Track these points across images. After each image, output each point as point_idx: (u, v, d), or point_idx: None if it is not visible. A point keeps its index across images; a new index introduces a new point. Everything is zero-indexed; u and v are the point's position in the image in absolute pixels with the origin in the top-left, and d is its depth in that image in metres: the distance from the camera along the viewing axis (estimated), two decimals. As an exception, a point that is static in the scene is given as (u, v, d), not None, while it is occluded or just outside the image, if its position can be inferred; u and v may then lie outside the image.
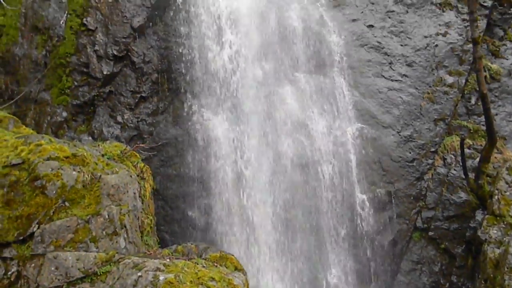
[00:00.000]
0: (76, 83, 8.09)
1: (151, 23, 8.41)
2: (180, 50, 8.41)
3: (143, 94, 8.25)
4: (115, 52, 8.16)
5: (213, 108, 8.17)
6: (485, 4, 9.18)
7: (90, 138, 7.91)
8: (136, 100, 8.23)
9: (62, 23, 8.05)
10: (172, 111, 8.20)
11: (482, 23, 8.86)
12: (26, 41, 8.27)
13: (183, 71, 8.36)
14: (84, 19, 8.23)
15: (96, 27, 8.23)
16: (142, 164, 6.53)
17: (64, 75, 8.08)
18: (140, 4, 8.33)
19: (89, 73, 8.07)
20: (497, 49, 9.19)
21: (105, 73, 8.08)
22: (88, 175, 4.94)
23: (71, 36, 8.20)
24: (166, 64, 8.36)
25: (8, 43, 8.24)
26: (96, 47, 8.15)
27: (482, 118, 7.89)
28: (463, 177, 7.84)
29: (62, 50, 8.15)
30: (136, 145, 7.20)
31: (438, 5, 9.10)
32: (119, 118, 8.09)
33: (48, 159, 4.83)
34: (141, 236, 5.58)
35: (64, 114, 7.98)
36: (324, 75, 8.58)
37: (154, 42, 8.41)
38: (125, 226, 4.94)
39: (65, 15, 8.26)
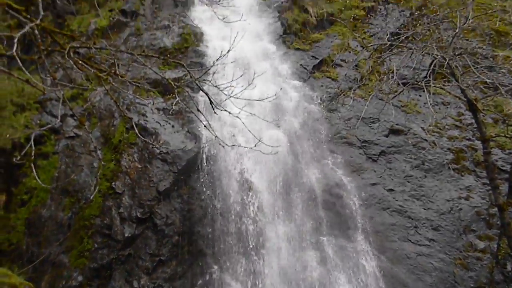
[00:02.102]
0: (96, 245, 8.70)
1: (176, 187, 9.45)
2: (203, 212, 9.20)
3: (162, 258, 8.73)
4: (138, 215, 8.99)
5: (234, 273, 8.48)
6: (503, 168, 10.11)
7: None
8: (155, 264, 8.67)
9: (93, 187, 9.12)
10: (190, 277, 8.51)
11: (504, 187, 9.60)
12: (54, 203, 9.26)
13: (205, 232, 8.98)
14: (113, 183, 9.33)
15: (123, 191, 9.27)
16: None
17: (86, 237, 8.77)
18: (168, 169, 9.52)
19: (111, 235, 8.75)
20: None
21: (126, 235, 8.75)
22: None
23: (98, 199, 9.20)
24: (188, 226, 9.06)
25: (37, 205, 9.22)
26: (121, 210, 9.03)
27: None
28: None
29: (87, 212, 9.05)
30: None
31: (456, 170, 10.10)
32: (135, 284, 8.42)
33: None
34: None
35: (80, 278, 8.37)
36: (348, 239, 9.05)
37: (177, 205, 9.30)
38: None
39: (96, 179, 9.41)
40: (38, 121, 10.01)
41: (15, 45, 2.27)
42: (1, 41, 5.07)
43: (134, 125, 5.06)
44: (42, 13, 2.89)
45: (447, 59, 6.42)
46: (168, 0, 14.49)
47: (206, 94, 5.38)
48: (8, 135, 9.22)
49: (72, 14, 13.02)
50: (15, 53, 2.32)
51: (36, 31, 2.77)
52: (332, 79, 12.28)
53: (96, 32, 12.48)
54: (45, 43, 3.87)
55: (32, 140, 3.52)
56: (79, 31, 12.51)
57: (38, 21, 2.77)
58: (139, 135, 6.01)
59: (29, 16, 3.69)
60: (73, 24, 12.58)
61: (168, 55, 12.34)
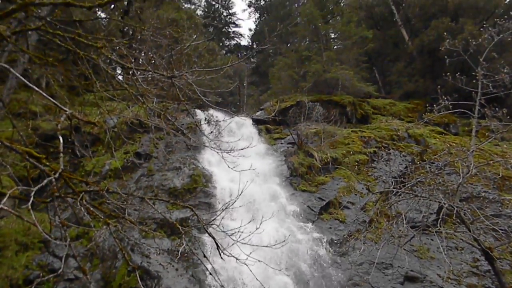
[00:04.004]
0: None
1: None
2: None
3: None
4: None
5: None
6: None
7: None
8: None
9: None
10: None
11: None
12: None
13: None
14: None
15: None
16: None
17: None
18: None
19: None
20: None
21: None
22: None
23: None
24: None
25: None
26: None
27: None
28: None
29: None
30: None
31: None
32: None
33: None
34: None
35: None
36: None
37: None
38: None
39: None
40: (39, 262, 9.70)
41: (31, 198, 2.32)
42: (16, 183, 5.25)
43: (136, 270, 4.83)
44: (62, 167, 3.04)
45: (455, 207, 6.42)
46: (181, 144, 15.39)
47: (213, 238, 5.28)
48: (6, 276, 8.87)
49: (88, 155, 13.73)
50: (29, 207, 2.36)
51: (53, 180, 2.88)
52: (340, 221, 12.17)
53: (109, 172, 12.97)
54: (58, 184, 3.98)
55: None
56: (94, 171, 13.03)
57: (57, 175, 2.90)
58: (141, 279, 5.71)
59: (48, 164, 3.88)
60: (88, 165, 13.16)
61: (178, 195, 12.57)
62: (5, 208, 2.48)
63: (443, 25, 21.95)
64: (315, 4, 26.56)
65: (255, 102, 30.08)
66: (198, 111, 16.93)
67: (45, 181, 2.82)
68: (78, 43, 5.13)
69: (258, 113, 20.50)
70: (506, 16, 9.67)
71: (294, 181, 13.98)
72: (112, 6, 19.35)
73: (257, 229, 5.59)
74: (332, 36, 27.57)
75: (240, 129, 17.00)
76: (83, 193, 3.59)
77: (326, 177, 14.20)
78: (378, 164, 14.98)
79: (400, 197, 7.79)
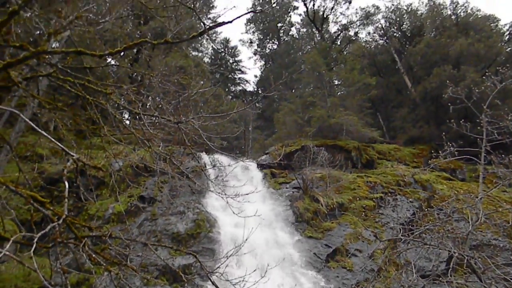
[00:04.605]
0: None
1: None
2: None
3: None
4: None
5: None
6: None
7: None
8: None
9: None
10: None
11: None
12: None
13: None
14: None
15: None
16: None
17: None
18: None
19: None
20: None
21: None
22: None
23: None
24: None
25: None
26: None
27: None
28: None
29: None
30: None
31: None
32: None
33: None
34: None
35: None
36: None
37: None
38: None
39: None
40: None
41: (34, 244, 2.29)
42: (19, 227, 5.19)
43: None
44: (66, 212, 3.02)
45: (465, 256, 6.24)
46: (185, 187, 15.32)
47: (217, 287, 5.12)
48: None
49: (92, 199, 13.67)
50: (32, 253, 2.32)
51: (57, 226, 2.85)
52: (348, 270, 11.81)
53: (113, 216, 12.85)
54: (61, 229, 3.93)
55: None
56: (97, 215, 12.92)
57: (61, 221, 2.87)
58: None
59: (52, 208, 3.85)
60: (92, 209, 13.07)
61: (181, 240, 12.34)
62: (7, 253, 2.44)
63: (445, 73, 22.38)
64: (319, 52, 27.38)
65: (260, 146, 30.26)
66: (203, 155, 17.00)
67: (49, 227, 2.79)
68: (87, 88, 5.26)
69: (263, 157, 20.54)
70: (508, 65, 9.86)
71: (300, 227, 13.74)
72: (122, 53, 20.04)
73: (262, 277, 5.44)
74: (336, 83, 28.15)
75: (245, 173, 16.96)
76: (85, 238, 3.54)
77: (332, 223, 13.96)
78: (385, 210, 14.76)
79: (409, 245, 7.58)
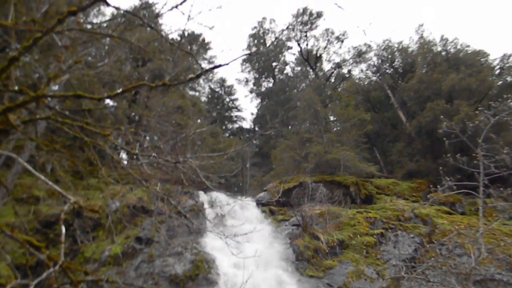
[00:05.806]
0: None
1: None
2: None
3: None
4: None
5: None
6: None
7: None
8: None
9: None
10: None
11: None
12: None
13: None
14: None
15: None
16: None
17: None
18: None
19: None
20: None
21: None
22: None
23: None
24: None
25: None
26: None
27: None
28: None
29: None
30: None
31: None
32: None
33: None
34: None
35: None
36: None
37: None
38: None
39: None
40: None
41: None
42: (14, 273, 5.06)
43: None
44: (62, 258, 2.97)
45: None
46: (183, 227, 15.09)
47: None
48: None
49: (88, 241, 13.42)
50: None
51: (53, 273, 2.78)
52: (351, 310, 11.46)
53: (109, 259, 12.56)
54: (55, 274, 3.83)
55: None
56: (93, 258, 12.63)
57: (57, 267, 2.81)
58: None
59: (47, 252, 3.77)
60: (88, 251, 12.80)
61: (179, 283, 12.00)
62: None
63: (438, 107, 22.72)
64: (314, 89, 27.89)
65: (258, 183, 30.12)
66: (201, 193, 16.86)
67: (45, 274, 2.73)
68: (85, 130, 5.29)
69: (261, 194, 20.40)
70: (500, 99, 10.04)
71: (301, 265, 13.44)
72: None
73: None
74: (332, 119, 28.49)
75: (244, 212, 16.77)
76: (81, 283, 3.44)
77: (334, 261, 13.68)
78: (386, 246, 14.51)
79: (412, 282, 7.41)
